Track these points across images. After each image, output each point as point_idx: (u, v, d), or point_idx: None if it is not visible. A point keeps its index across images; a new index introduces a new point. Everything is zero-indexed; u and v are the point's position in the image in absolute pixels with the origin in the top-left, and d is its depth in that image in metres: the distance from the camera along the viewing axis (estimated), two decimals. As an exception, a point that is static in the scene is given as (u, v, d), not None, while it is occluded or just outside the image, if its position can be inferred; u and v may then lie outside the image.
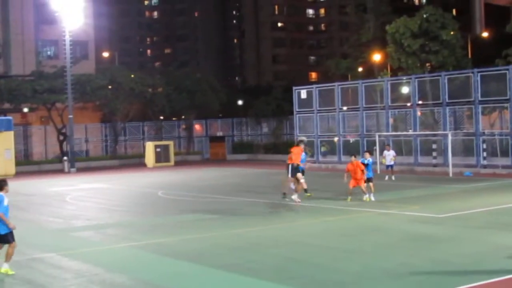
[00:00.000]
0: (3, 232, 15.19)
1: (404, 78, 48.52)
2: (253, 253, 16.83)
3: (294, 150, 27.17)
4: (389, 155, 37.13)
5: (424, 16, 50.50)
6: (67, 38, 55.40)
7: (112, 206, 29.27)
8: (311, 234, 19.53)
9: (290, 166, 26.66)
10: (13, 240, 15.33)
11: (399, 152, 39.22)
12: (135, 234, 20.68)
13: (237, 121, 75.37)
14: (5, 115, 59.65)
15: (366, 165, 27.35)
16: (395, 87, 48.08)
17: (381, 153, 40.67)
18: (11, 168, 52.44)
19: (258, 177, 43.77)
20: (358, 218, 22.58)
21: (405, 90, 47.82)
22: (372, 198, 26.68)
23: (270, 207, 25.80)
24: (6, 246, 15.36)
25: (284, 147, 63.31)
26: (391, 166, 37.12)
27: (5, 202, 15.19)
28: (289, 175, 26.81)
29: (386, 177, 36.89)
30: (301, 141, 29.06)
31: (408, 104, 46.45)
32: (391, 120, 47.86)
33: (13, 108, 63.07)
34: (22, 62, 68.25)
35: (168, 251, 17.42)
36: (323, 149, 51.29)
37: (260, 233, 19.98)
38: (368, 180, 27.33)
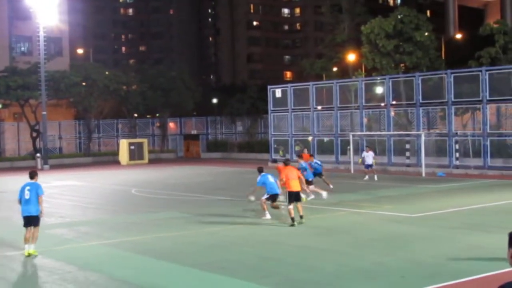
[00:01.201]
0: (36, 214, 16.55)
1: (378, 78, 48.79)
2: (227, 252, 16.82)
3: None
4: (368, 156, 37.26)
5: (399, 17, 50.83)
6: (41, 34, 54.99)
7: (85, 203, 29.11)
8: (286, 233, 19.56)
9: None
10: (39, 223, 16.81)
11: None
12: (109, 232, 20.58)
13: (211, 119, 75.27)
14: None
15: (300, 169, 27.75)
16: (369, 87, 48.36)
17: (355, 153, 40.72)
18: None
19: (232, 176, 43.77)
20: (333, 217, 22.68)
21: (379, 90, 48.09)
22: (324, 196, 27.06)
23: (244, 206, 25.77)
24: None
25: (258, 146, 63.50)
26: (370, 165, 37.28)
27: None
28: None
29: (366, 177, 37.08)
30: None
31: (382, 104, 46.71)
32: (365, 120, 48.12)
33: (-14, 104, 62.62)
34: (-5, 58, 67.62)
35: (141, 249, 17.37)
36: (297, 148, 51.38)
37: (235, 231, 19.98)
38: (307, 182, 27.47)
